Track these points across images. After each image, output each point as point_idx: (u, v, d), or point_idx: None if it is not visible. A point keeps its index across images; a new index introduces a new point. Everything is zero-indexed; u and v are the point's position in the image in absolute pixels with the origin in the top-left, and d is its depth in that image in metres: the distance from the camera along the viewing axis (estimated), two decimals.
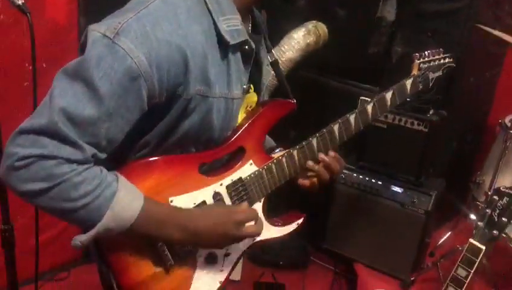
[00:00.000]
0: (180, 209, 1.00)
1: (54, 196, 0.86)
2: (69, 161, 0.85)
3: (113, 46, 0.85)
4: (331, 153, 1.17)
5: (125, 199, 0.90)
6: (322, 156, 1.16)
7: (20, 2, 1.24)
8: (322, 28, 2.37)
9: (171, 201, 1.00)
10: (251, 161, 1.10)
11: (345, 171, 2.22)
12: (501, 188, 1.43)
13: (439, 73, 1.36)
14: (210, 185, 1.05)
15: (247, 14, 1.06)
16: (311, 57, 2.39)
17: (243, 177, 1.09)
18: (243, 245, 1.12)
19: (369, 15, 2.22)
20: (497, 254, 2.16)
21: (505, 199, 1.40)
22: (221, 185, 1.06)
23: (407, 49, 2.18)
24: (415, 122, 2.10)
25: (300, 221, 1.21)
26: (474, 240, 1.41)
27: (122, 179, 0.92)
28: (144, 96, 0.89)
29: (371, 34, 2.30)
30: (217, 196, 1.05)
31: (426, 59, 1.32)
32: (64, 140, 0.85)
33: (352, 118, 1.18)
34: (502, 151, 1.95)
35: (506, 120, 2.18)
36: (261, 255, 2.44)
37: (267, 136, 1.25)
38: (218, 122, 1.01)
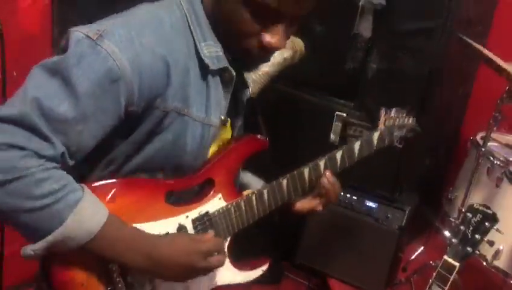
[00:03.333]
0: (146, 234, 0.94)
1: (11, 191, 0.78)
2: (38, 154, 0.80)
3: (96, 47, 0.83)
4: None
5: (89, 210, 0.84)
6: (328, 174, 1.15)
7: None
8: (299, 43, 2.38)
9: None
10: (220, 195, 1.07)
11: None
12: (474, 205, 1.45)
13: (403, 133, 1.37)
14: (175, 216, 1.01)
15: (230, 45, 1.02)
16: (288, 71, 2.40)
17: (210, 211, 1.05)
18: (204, 288, 1.07)
19: (346, 31, 2.24)
20: (469, 270, 2.18)
21: (478, 216, 1.42)
22: (187, 217, 1.02)
23: (383, 66, 2.21)
24: None
25: (265, 267, 1.18)
26: (448, 257, 1.42)
27: (87, 189, 0.87)
28: (122, 102, 0.86)
29: (347, 50, 2.32)
30: (181, 228, 1.01)
31: (392, 115, 1.33)
32: (35, 131, 0.80)
33: (321, 163, 1.17)
34: (474, 169, 1.99)
35: (478, 137, 2.23)
36: None
37: (249, 173, 1.25)
38: (191, 148, 0.98)
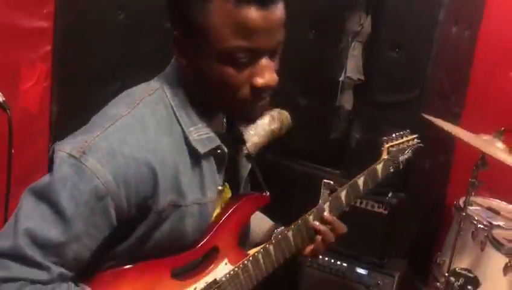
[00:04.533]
0: None
1: None
2: (33, 281, 0.83)
3: (80, 166, 0.84)
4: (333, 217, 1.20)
5: None
6: (328, 216, 1.18)
7: (1, 100, 1.28)
8: (285, 115, 2.51)
9: None
10: (226, 260, 1.06)
11: None
12: (457, 269, 1.50)
13: (409, 154, 1.40)
14: None
15: (219, 115, 1.06)
16: (276, 141, 2.50)
17: (217, 278, 1.03)
18: None
19: (329, 104, 2.38)
20: None
21: (461, 280, 1.47)
22: (195, 289, 1.01)
23: (365, 135, 2.32)
24: (375, 204, 2.19)
25: None
26: None
27: None
28: (112, 214, 0.87)
29: (331, 121, 2.45)
30: None
31: (394, 142, 1.38)
32: (28, 262, 0.82)
33: (326, 206, 1.21)
34: (457, 232, 2.04)
35: (461, 202, 2.29)
36: None
37: (262, 215, 1.26)
38: (191, 228, 0.99)
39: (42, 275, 0.84)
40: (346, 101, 2.34)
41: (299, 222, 1.18)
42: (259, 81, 0.92)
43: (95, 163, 0.84)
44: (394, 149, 1.36)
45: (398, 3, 2.22)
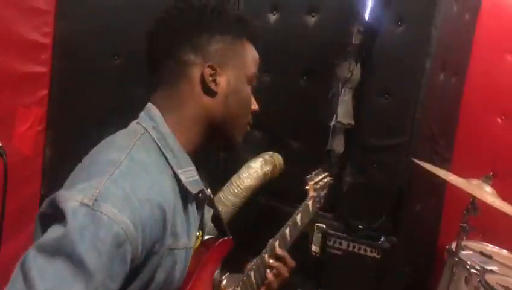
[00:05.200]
0: None
1: None
2: None
3: (95, 214, 0.79)
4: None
5: None
6: (280, 252, 1.28)
7: None
8: (278, 158, 2.53)
9: None
10: None
11: None
12: None
13: (326, 191, 1.58)
14: None
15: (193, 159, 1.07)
16: (269, 184, 2.52)
17: None
18: None
19: (321, 147, 2.41)
20: None
21: None
22: None
23: (356, 179, 2.35)
24: (368, 248, 2.19)
25: None
26: None
27: None
28: (129, 261, 0.82)
29: (323, 165, 2.47)
30: None
31: (316, 180, 1.54)
32: None
33: (276, 243, 1.32)
34: (450, 277, 2.03)
35: (453, 246, 2.29)
36: None
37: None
38: (179, 274, 0.99)
39: None
40: (338, 145, 2.38)
41: (258, 260, 1.26)
42: (257, 107, 1.10)
43: (111, 208, 0.80)
44: (317, 187, 1.53)
45: (386, 52, 2.30)
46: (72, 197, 0.80)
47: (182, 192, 0.96)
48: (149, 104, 1.02)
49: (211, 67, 0.99)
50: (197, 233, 1.06)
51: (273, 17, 2.49)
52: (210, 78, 0.99)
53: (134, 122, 1.01)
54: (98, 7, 2.01)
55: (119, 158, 0.88)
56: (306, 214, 1.47)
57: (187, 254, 1.00)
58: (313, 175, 1.57)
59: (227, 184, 2.34)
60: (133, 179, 0.86)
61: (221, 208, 2.27)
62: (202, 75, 0.99)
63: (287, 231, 1.38)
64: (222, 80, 1.01)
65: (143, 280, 0.90)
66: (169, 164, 0.96)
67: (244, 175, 2.53)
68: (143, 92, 2.13)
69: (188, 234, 0.99)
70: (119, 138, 0.97)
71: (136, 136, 0.96)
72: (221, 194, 2.31)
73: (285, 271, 1.30)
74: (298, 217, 1.45)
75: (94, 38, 2.02)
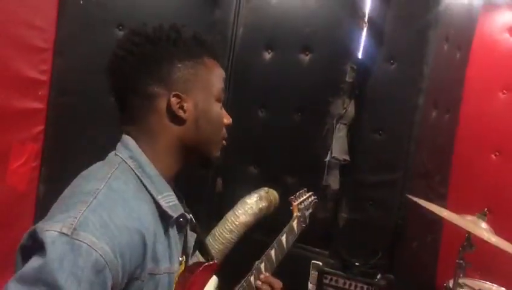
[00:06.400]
0: None
1: None
2: None
3: (74, 242, 0.80)
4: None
5: None
6: (264, 276, 1.32)
7: None
8: (274, 194, 2.53)
9: None
10: None
11: None
12: None
13: (311, 210, 1.61)
14: None
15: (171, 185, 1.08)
16: (264, 220, 2.50)
17: None
18: None
19: (316, 183, 2.41)
20: None
21: None
22: None
23: (353, 215, 2.34)
24: (365, 286, 2.16)
25: None
26: None
27: None
28: (109, 287, 0.83)
29: (318, 201, 2.46)
30: None
31: (300, 200, 1.58)
32: None
33: (262, 266, 1.36)
34: None
35: (450, 284, 2.26)
36: None
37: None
38: None
39: None
40: (333, 180, 2.38)
41: (244, 284, 1.28)
42: (230, 120, 1.10)
43: (90, 236, 0.81)
44: (302, 207, 1.56)
45: (380, 89, 2.34)
46: (51, 228, 0.81)
47: (162, 217, 0.98)
48: (124, 135, 1.03)
49: (177, 96, 1.00)
50: (180, 258, 1.06)
51: (268, 55, 2.54)
52: (177, 106, 1.00)
53: (112, 154, 1.02)
54: (96, 46, 2.05)
55: (97, 188, 0.90)
56: (291, 234, 1.49)
57: (170, 278, 1.00)
58: (297, 195, 1.61)
59: (222, 221, 2.32)
60: (110, 207, 0.88)
61: (216, 245, 2.25)
62: (169, 105, 0.99)
63: (273, 252, 1.41)
64: (189, 105, 1.01)
65: None
66: (148, 191, 0.97)
67: (240, 211, 2.51)
68: None
69: (170, 258, 1.00)
70: (97, 169, 0.99)
71: (113, 166, 0.97)
72: (216, 231, 2.29)
73: None
74: (283, 238, 1.47)
75: (91, 76, 2.04)
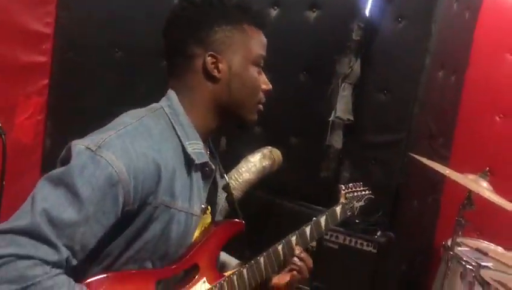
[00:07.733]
0: None
1: None
2: (45, 262, 0.88)
3: (95, 157, 0.94)
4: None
5: None
6: (298, 252, 1.26)
7: None
8: (277, 153, 2.54)
9: None
10: (204, 279, 1.14)
11: None
12: None
13: (362, 203, 1.54)
14: None
15: (205, 142, 1.18)
16: (267, 179, 2.53)
17: None
18: None
19: (319, 143, 2.42)
20: None
21: None
22: None
23: (354, 174, 2.36)
24: (364, 243, 2.20)
25: None
26: None
27: None
28: (120, 203, 0.96)
29: (321, 160, 2.48)
30: None
31: (350, 189, 1.51)
32: (43, 240, 0.89)
33: (293, 238, 1.28)
34: (445, 272, 2.05)
35: (449, 242, 2.30)
36: None
37: (223, 252, 1.31)
38: (176, 236, 1.07)
39: (53, 256, 0.90)
40: (336, 140, 2.39)
41: (270, 250, 1.25)
42: (269, 86, 1.17)
43: (110, 155, 0.95)
44: (350, 196, 1.49)
45: (386, 48, 2.31)
46: (81, 143, 0.96)
47: (186, 160, 1.08)
48: (169, 89, 1.14)
49: (212, 56, 1.10)
50: (203, 205, 1.13)
51: (273, 12, 2.50)
52: (212, 66, 1.10)
53: (155, 103, 1.14)
54: None
55: (130, 121, 1.04)
56: (332, 219, 1.39)
57: (187, 218, 1.08)
58: (349, 185, 1.52)
59: None
60: (135, 136, 1.01)
61: None
62: (204, 64, 1.10)
63: (308, 229, 1.32)
64: (224, 66, 1.11)
65: (137, 227, 1.02)
66: (177, 135, 1.08)
67: (243, 169, 2.54)
68: (142, 84, 2.16)
69: (190, 200, 1.08)
70: (138, 110, 1.11)
71: (151, 110, 1.10)
72: None
73: (306, 273, 1.28)
74: (322, 220, 1.36)
75: (95, 30, 2.03)
